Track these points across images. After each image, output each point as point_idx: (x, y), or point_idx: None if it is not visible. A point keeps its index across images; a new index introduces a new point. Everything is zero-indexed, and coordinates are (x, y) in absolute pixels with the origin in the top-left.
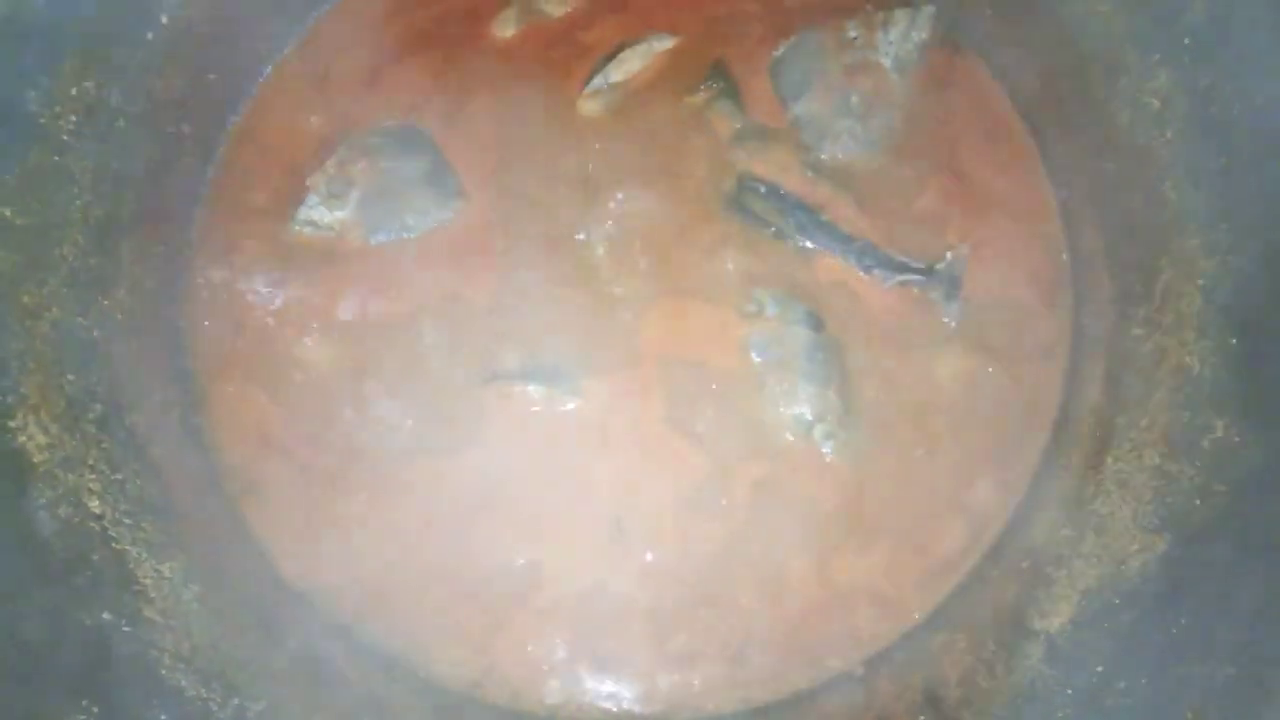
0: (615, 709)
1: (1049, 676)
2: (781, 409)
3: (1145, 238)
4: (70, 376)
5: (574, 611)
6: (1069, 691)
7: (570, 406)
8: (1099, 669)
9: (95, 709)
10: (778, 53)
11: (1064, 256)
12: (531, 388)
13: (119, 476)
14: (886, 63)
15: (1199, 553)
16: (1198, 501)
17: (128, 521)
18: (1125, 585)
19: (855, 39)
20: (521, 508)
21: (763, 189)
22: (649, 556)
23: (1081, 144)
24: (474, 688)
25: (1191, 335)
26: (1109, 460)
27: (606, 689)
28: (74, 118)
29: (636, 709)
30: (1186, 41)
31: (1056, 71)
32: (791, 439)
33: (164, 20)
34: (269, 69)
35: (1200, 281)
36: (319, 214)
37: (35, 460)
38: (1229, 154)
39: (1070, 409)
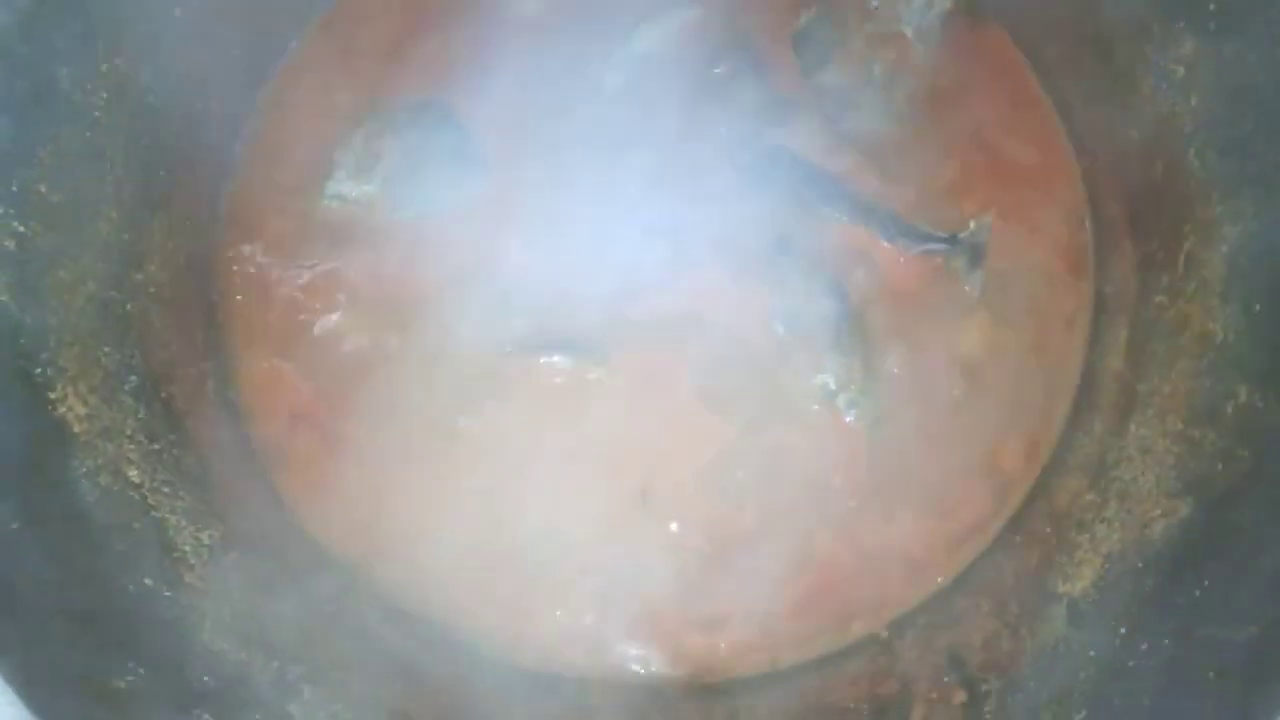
0: (644, 671)
1: (1072, 639)
2: (805, 378)
3: (1168, 205)
4: (107, 349)
5: (602, 578)
6: (1091, 653)
7: (595, 377)
8: (1122, 631)
9: (141, 670)
10: (800, 23)
11: (1087, 224)
12: (557, 359)
13: (156, 446)
14: (909, 32)
15: (1222, 517)
16: (1220, 466)
17: (166, 490)
18: (1148, 549)
19: (877, 9)
20: (548, 477)
21: (786, 159)
22: (674, 526)
23: (1104, 112)
24: (506, 651)
25: (1214, 302)
26: (1132, 426)
27: (635, 652)
28: (105, 95)
29: (665, 671)
30: (1212, 8)
31: (1079, 39)
32: (816, 408)
33: None
34: (294, 44)
35: (1223, 248)
36: (347, 189)
37: (75, 430)
38: (1253, 121)
39: (1093, 376)
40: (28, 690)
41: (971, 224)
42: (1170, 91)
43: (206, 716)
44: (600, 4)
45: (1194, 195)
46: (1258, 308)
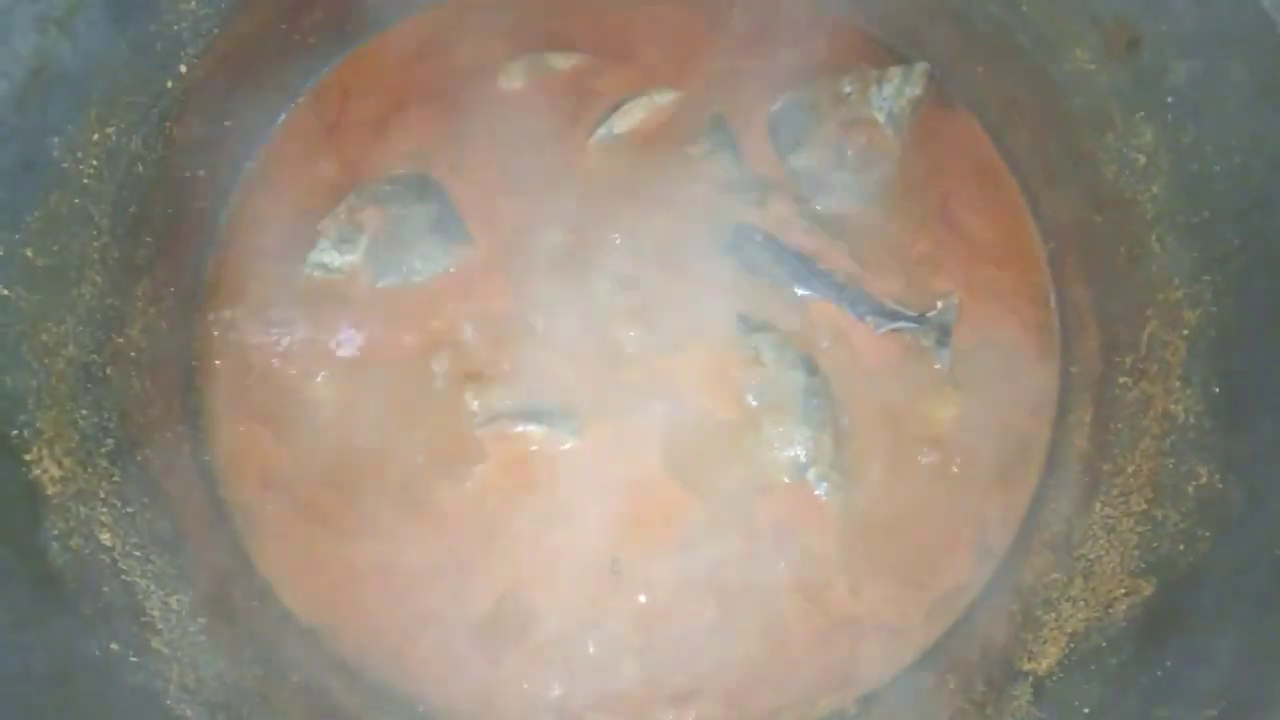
0: None
1: (1037, 718)
2: (777, 452)
3: (1131, 288)
4: (84, 412)
5: (570, 650)
6: None
7: (569, 447)
8: (1085, 711)
9: None
10: (775, 107)
11: (1052, 305)
12: (531, 428)
13: (130, 510)
14: (881, 118)
15: (1184, 597)
16: (1182, 547)
17: (137, 554)
18: (1112, 628)
19: (850, 95)
20: (519, 547)
21: (760, 238)
22: (643, 598)
23: (1069, 197)
24: None
25: (1176, 384)
26: (1097, 506)
27: None
28: (95, 163)
29: None
30: (1169, 100)
31: (1045, 126)
32: (787, 481)
33: (183, 70)
34: (283, 117)
35: (1184, 332)
36: (329, 258)
37: (49, 493)
38: (1211, 208)
39: (1058, 455)
40: None
41: (939, 303)
42: (1132, 178)
43: None
44: (581, 84)
45: (1156, 279)
46: (1217, 390)
